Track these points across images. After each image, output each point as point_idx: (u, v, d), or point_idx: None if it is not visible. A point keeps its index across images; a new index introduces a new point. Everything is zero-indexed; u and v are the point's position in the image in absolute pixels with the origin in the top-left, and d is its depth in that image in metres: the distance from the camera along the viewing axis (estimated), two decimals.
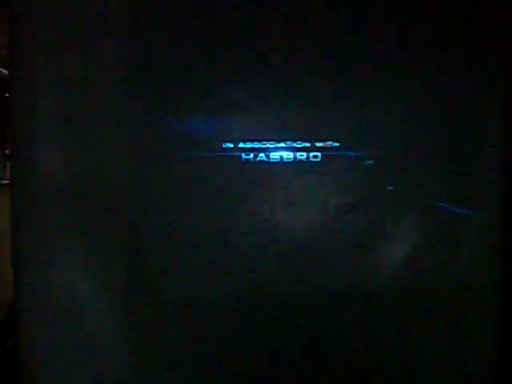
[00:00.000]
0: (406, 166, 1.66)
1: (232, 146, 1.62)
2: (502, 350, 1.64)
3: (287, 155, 1.64)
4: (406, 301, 1.65)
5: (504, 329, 1.64)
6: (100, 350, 1.55)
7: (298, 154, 1.65)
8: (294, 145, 1.65)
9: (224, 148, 1.61)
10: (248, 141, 1.62)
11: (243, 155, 1.62)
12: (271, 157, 1.64)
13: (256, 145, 1.63)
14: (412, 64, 1.66)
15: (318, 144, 1.65)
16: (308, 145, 1.65)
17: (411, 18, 1.64)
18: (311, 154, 1.65)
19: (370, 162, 1.66)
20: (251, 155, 1.63)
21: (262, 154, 1.64)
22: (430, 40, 1.65)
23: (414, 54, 1.66)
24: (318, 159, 1.65)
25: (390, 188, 1.67)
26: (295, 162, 1.64)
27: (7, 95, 1.54)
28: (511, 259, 1.63)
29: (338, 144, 1.65)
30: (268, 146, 1.64)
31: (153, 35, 1.55)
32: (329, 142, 1.65)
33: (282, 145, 1.64)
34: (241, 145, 1.62)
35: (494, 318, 1.65)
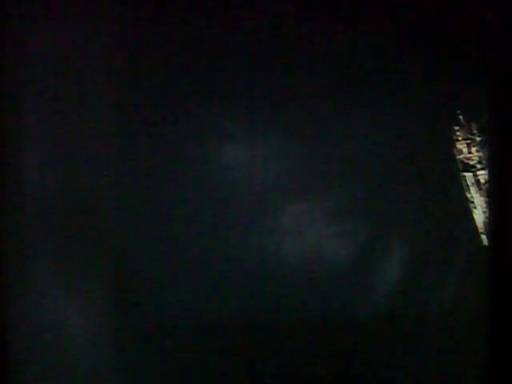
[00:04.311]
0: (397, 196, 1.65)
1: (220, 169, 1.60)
2: (492, 375, 1.64)
3: None
4: (394, 327, 1.64)
5: (493, 352, 1.63)
6: (86, 375, 1.54)
7: None
8: None
9: (212, 171, 1.59)
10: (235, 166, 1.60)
11: (232, 180, 1.60)
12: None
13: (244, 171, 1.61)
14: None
15: None
16: None
17: None
18: None
19: None
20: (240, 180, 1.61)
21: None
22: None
23: None
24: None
25: None
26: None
27: None
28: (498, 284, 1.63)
29: None
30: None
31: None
32: None
33: None
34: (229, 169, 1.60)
35: (483, 343, 1.64)
